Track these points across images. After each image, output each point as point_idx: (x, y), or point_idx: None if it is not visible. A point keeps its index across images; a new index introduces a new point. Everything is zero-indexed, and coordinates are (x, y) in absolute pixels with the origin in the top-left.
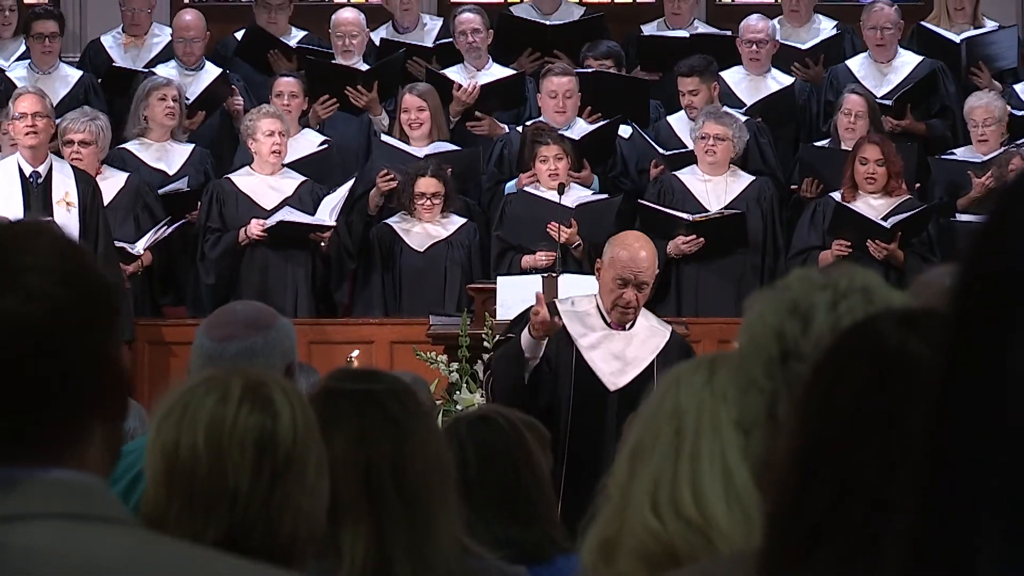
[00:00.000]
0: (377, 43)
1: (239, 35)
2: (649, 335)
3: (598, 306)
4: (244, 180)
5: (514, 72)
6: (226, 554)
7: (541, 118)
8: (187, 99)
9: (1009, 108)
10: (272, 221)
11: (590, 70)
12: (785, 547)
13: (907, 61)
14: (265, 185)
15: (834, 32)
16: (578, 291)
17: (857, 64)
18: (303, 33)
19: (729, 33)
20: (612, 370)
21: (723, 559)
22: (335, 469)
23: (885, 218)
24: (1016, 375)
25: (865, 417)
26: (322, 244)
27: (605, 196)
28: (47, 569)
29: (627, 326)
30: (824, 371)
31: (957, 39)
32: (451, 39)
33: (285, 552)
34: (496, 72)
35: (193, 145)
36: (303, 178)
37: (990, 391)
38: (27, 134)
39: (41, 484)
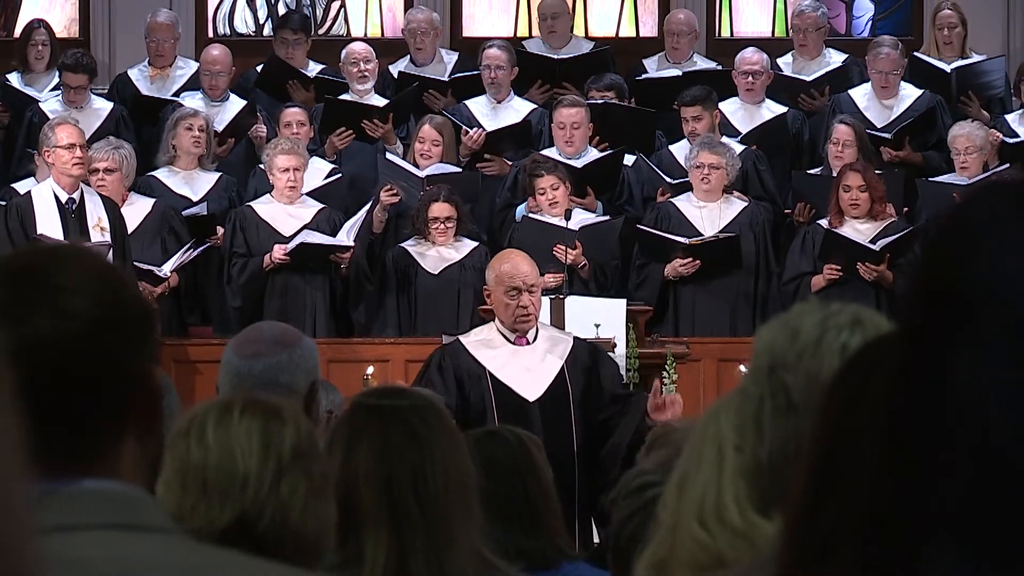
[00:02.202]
0: (395, 76)
1: (260, 68)
2: (553, 344)
3: (498, 329)
4: (264, 208)
5: (520, 121)
6: (271, 561)
7: (553, 148)
8: (215, 129)
9: (1001, 136)
10: (293, 244)
11: (600, 102)
12: (796, 562)
13: (908, 94)
14: (284, 213)
15: (841, 64)
16: (585, 312)
17: (860, 94)
18: (320, 67)
19: (720, 67)
20: (526, 382)
21: (765, 560)
22: (358, 481)
23: (873, 241)
24: (960, 391)
25: (869, 430)
26: (342, 267)
27: (607, 217)
28: None
29: (531, 339)
30: (834, 388)
31: (948, 68)
32: (467, 72)
33: (296, 542)
34: (517, 105)
35: (220, 174)
36: (321, 205)
37: (937, 407)
38: (75, 165)
39: (88, 495)
